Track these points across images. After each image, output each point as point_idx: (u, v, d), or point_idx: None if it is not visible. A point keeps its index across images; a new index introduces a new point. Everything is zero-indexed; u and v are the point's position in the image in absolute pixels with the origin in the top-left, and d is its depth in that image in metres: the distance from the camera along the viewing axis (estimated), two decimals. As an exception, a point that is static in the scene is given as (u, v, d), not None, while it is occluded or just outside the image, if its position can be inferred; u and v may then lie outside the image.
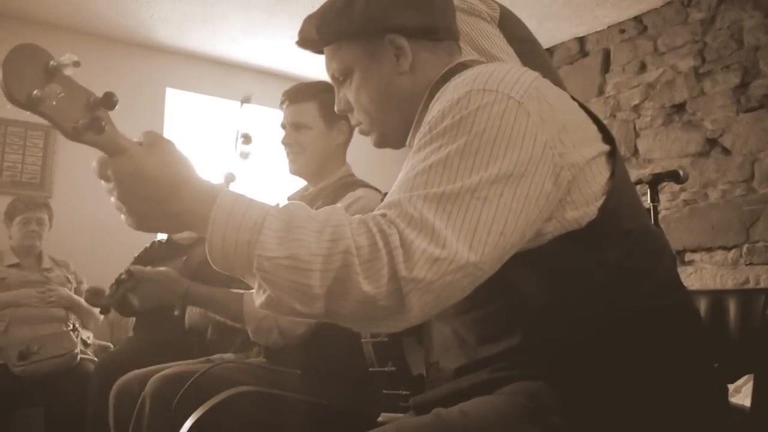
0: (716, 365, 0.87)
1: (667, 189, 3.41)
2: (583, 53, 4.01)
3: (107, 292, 1.58)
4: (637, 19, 3.70)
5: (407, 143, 0.98)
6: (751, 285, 3.07)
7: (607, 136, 0.84)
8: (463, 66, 0.91)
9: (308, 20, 1.03)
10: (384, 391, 1.26)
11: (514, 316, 0.82)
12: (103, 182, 0.76)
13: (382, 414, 1.30)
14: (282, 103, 1.74)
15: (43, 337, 2.68)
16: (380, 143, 1.00)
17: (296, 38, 1.07)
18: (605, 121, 1.95)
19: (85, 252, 3.36)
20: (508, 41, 1.24)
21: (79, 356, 2.75)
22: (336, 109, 1.03)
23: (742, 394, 1.45)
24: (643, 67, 3.68)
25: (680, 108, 3.47)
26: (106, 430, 1.72)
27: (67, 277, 3.03)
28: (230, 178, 0.85)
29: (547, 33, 3.89)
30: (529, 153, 0.73)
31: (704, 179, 3.32)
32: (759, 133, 3.13)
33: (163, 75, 4.02)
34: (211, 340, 2.10)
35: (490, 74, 0.79)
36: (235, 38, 3.89)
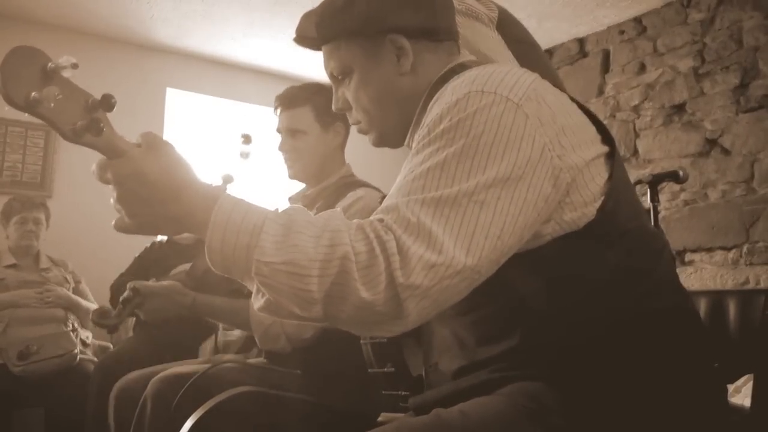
0: (716, 365, 0.87)
1: (667, 189, 3.41)
2: (583, 54, 4.01)
3: (113, 310, 1.60)
4: (637, 19, 3.70)
5: (406, 143, 0.98)
6: (751, 285, 3.07)
7: (606, 137, 0.84)
8: (463, 67, 0.91)
9: (307, 17, 1.03)
10: (383, 392, 1.26)
11: (513, 317, 0.82)
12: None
13: (382, 414, 1.30)
14: (276, 108, 1.73)
15: (43, 337, 2.67)
16: (379, 142, 1.00)
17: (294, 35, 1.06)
18: (605, 122, 1.95)
19: (86, 252, 3.36)
20: (506, 43, 1.24)
21: (78, 356, 2.75)
22: (334, 107, 1.02)
23: (742, 394, 1.45)
24: (642, 68, 3.68)
25: (680, 108, 3.47)
26: (106, 430, 1.72)
27: (65, 277, 3.02)
28: (228, 179, 0.84)
29: (547, 33, 3.89)
30: (527, 155, 0.73)
31: (704, 179, 3.32)
32: (759, 134, 3.13)
33: (163, 75, 4.02)
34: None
35: (489, 76, 0.79)
36: (235, 38, 3.89)
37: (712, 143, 3.32)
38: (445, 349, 0.93)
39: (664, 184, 2.43)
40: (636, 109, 3.68)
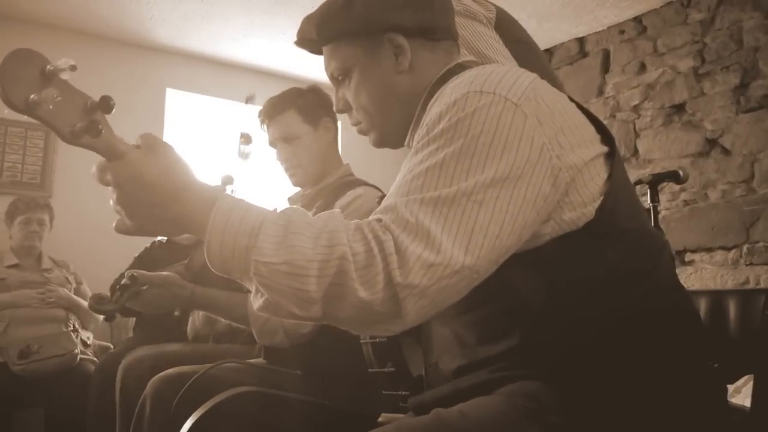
0: (716, 365, 0.87)
1: (667, 189, 3.41)
2: (583, 54, 4.01)
3: (110, 297, 1.58)
4: (637, 19, 3.71)
5: (406, 143, 0.98)
6: (751, 285, 3.08)
7: (606, 137, 0.84)
8: (461, 67, 0.91)
9: (307, 20, 1.03)
10: (384, 392, 1.26)
11: (513, 317, 0.82)
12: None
13: (382, 414, 1.30)
14: (261, 123, 1.73)
15: (43, 337, 2.68)
16: (379, 143, 1.00)
17: (295, 38, 1.07)
18: (605, 122, 1.96)
19: (86, 252, 3.36)
20: (504, 43, 1.24)
21: (78, 356, 2.75)
22: (335, 108, 1.03)
23: (742, 394, 1.45)
24: (642, 68, 3.68)
25: (680, 108, 3.47)
26: (107, 430, 1.72)
27: (67, 278, 3.03)
28: (228, 180, 0.85)
29: (547, 33, 3.89)
30: (526, 155, 0.73)
31: (704, 179, 3.32)
32: (759, 134, 3.13)
33: (163, 75, 4.02)
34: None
35: (488, 76, 0.79)
36: (235, 38, 3.89)
37: (712, 143, 3.32)
38: (445, 348, 0.93)
39: (664, 184, 2.43)
40: (636, 109, 3.68)
